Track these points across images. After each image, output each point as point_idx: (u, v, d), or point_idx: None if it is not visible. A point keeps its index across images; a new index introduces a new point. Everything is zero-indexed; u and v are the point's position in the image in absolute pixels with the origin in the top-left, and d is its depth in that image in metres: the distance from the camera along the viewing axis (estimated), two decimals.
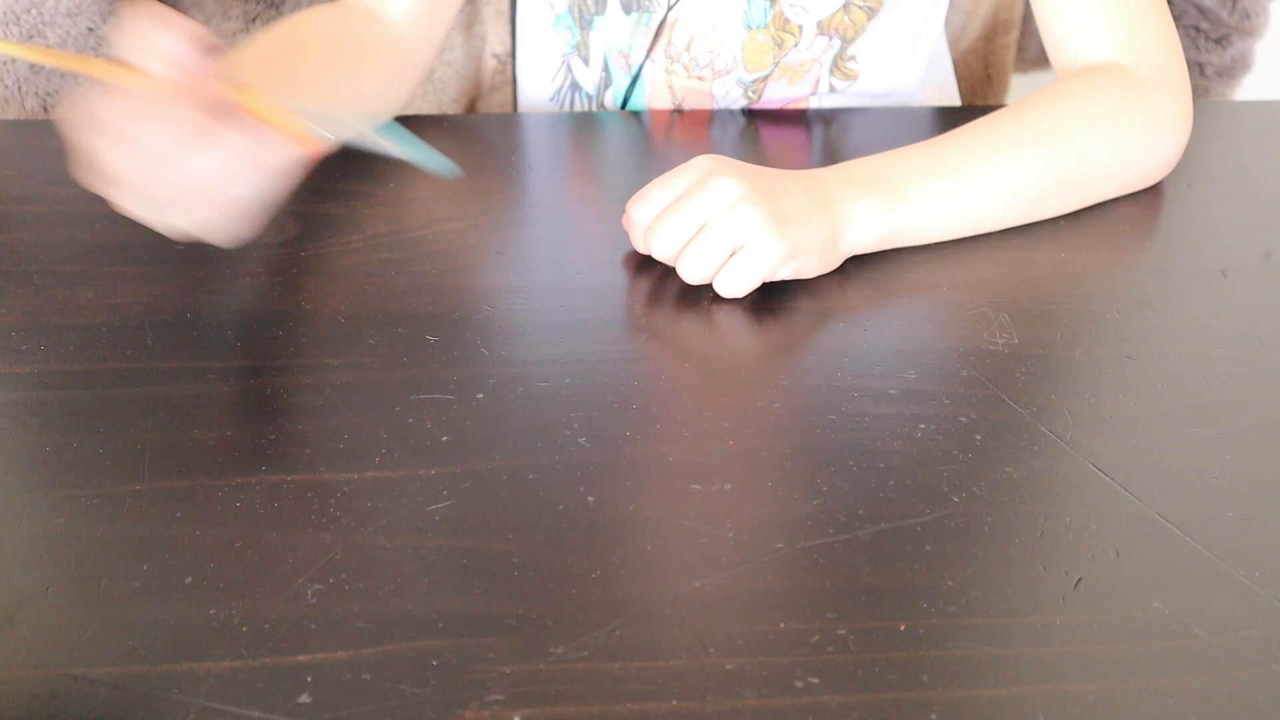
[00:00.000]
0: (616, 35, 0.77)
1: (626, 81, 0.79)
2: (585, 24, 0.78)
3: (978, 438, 0.48)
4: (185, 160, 0.44)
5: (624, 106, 0.80)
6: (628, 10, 0.75)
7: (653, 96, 0.79)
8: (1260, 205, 0.65)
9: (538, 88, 0.85)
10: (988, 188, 0.60)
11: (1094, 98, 0.63)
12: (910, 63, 0.80)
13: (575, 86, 0.82)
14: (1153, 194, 0.67)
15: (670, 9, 0.74)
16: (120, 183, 0.44)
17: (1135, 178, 0.65)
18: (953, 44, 1.00)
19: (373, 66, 0.66)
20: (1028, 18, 1.04)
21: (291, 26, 0.62)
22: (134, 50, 0.43)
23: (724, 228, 0.54)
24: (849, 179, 0.58)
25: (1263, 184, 0.68)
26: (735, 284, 0.55)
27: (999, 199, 0.60)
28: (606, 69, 0.79)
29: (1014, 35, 1.03)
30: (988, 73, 1.02)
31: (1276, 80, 1.02)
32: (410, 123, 0.77)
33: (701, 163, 0.57)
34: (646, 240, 0.57)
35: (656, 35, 0.75)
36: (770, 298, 0.57)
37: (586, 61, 0.80)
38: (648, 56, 0.76)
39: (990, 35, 1.01)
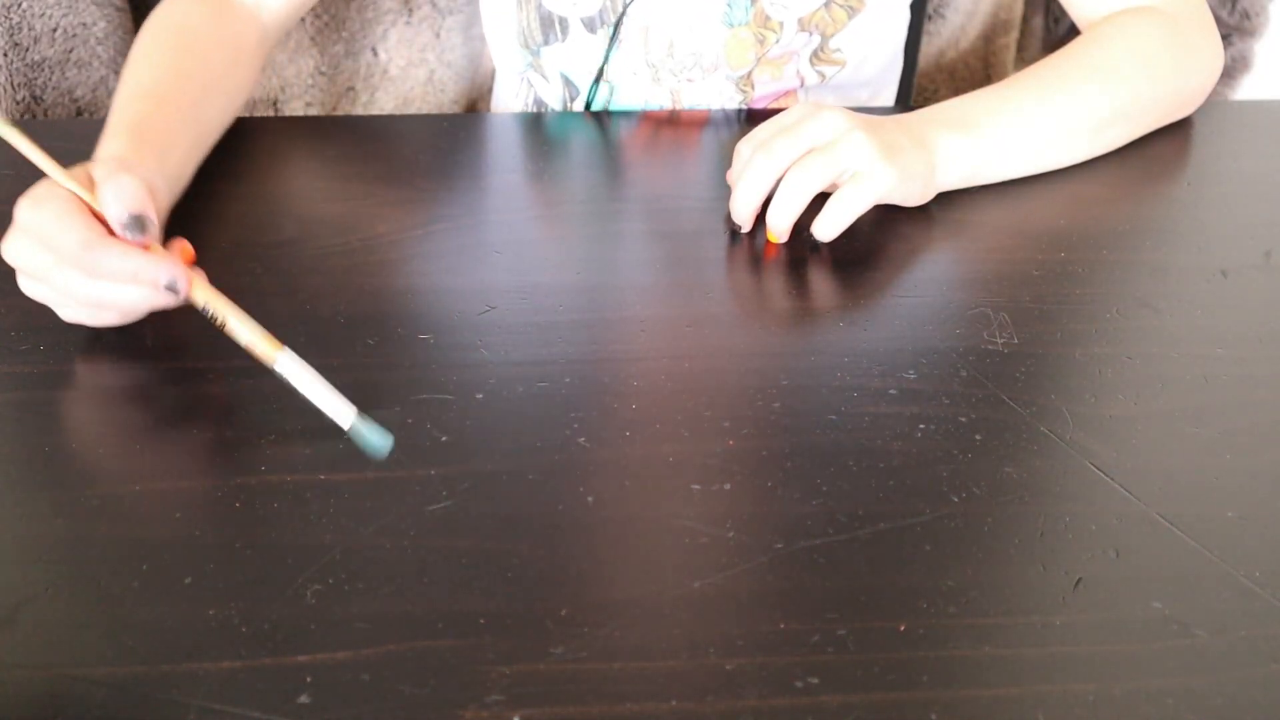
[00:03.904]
0: (586, 55, 0.77)
1: (605, 92, 0.79)
2: (534, 51, 0.79)
3: (977, 438, 0.48)
4: (90, 267, 0.48)
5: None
6: (593, 29, 0.75)
7: (639, 103, 0.79)
8: (1260, 205, 0.65)
9: (506, 104, 0.87)
10: (1053, 125, 0.66)
11: (1136, 37, 0.68)
12: (890, 45, 0.81)
13: (540, 103, 0.83)
14: (1153, 194, 0.67)
15: (624, 10, 0.74)
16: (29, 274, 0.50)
17: (1178, 107, 0.72)
18: (953, 44, 1.00)
19: (237, 67, 0.70)
20: (1028, 18, 1.05)
21: (174, 48, 0.66)
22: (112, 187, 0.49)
23: (834, 153, 0.58)
24: (934, 120, 0.63)
25: (1263, 184, 0.68)
26: (845, 210, 0.58)
27: (1063, 134, 0.66)
28: (569, 84, 0.80)
29: (1014, 35, 1.03)
30: (988, 73, 1.02)
31: (1276, 80, 1.02)
32: (411, 123, 0.77)
33: (806, 104, 0.61)
34: (754, 158, 0.59)
35: (615, 34, 0.75)
36: (771, 297, 0.57)
37: (546, 78, 0.81)
38: (607, 58, 0.76)
39: (990, 35, 1.01)
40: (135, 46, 0.66)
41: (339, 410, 0.47)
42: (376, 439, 0.46)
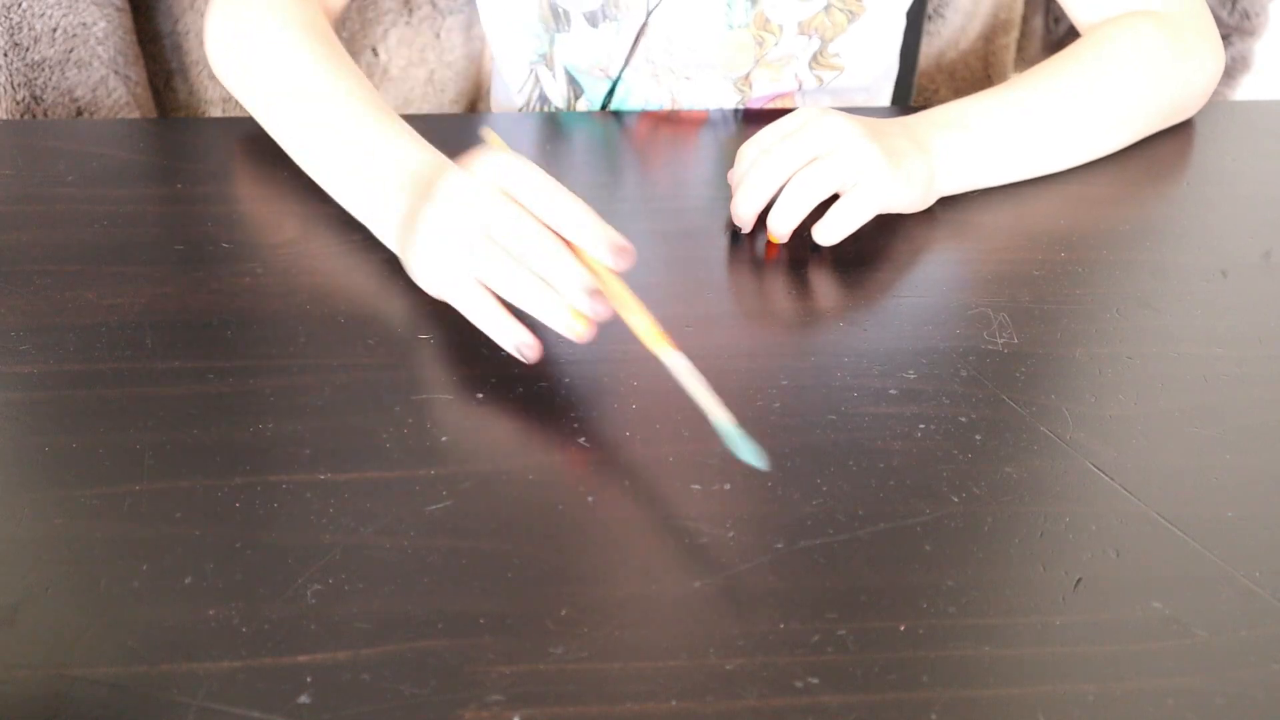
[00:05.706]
0: (587, 50, 0.77)
1: (604, 89, 0.79)
2: (550, 39, 0.79)
3: (978, 438, 0.48)
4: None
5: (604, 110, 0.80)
6: (594, 23, 0.75)
7: (638, 101, 0.79)
8: (1260, 205, 0.65)
9: (507, 100, 0.86)
10: (1054, 130, 0.66)
11: (1136, 40, 0.68)
12: (887, 50, 0.81)
13: (544, 99, 0.83)
14: (1153, 194, 0.67)
15: (649, 16, 0.74)
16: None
17: (1178, 110, 0.71)
18: (953, 44, 1.00)
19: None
20: (1028, 18, 1.05)
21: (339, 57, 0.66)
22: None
23: (838, 162, 0.57)
24: (935, 124, 0.63)
25: (1263, 184, 0.68)
26: (847, 219, 0.58)
27: (1064, 139, 0.66)
28: (573, 81, 0.80)
29: (1014, 35, 1.03)
30: (988, 73, 1.02)
31: (1276, 80, 1.02)
32: (411, 123, 0.77)
33: (810, 109, 0.60)
34: (758, 163, 0.59)
35: (636, 41, 0.75)
36: (771, 297, 0.57)
37: (554, 74, 0.81)
38: (626, 64, 0.76)
39: (990, 35, 1.01)
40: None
41: (719, 416, 0.45)
42: (750, 454, 0.44)
